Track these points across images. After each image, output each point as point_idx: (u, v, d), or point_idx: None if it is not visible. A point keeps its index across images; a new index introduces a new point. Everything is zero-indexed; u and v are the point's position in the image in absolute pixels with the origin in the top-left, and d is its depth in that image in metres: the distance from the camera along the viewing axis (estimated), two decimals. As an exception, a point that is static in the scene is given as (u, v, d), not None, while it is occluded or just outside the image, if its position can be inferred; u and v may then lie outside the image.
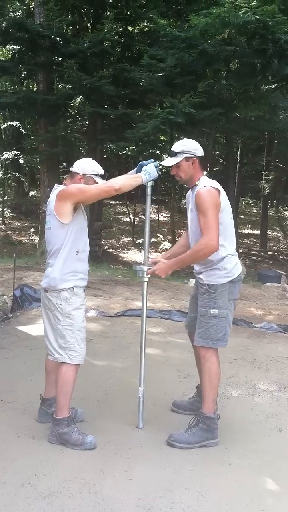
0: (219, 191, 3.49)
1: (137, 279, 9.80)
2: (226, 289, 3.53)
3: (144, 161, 3.62)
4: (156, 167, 3.57)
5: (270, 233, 22.17)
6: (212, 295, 3.52)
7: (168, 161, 3.64)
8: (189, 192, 3.72)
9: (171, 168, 3.68)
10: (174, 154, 3.60)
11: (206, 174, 3.67)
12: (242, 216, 23.97)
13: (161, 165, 4.05)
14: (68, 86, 14.76)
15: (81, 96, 15.25)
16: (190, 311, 3.91)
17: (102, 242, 16.69)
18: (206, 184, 3.50)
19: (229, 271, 3.53)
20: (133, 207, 22.43)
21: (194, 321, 3.73)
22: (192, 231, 3.62)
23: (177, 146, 3.62)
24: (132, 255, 17.71)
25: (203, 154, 3.68)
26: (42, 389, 3.75)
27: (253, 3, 10.83)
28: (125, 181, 3.47)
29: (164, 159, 3.73)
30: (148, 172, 3.52)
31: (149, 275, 3.65)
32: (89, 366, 4.71)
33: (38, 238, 15.43)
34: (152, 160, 3.63)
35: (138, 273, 3.69)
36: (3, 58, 17.13)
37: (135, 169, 3.67)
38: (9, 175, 23.72)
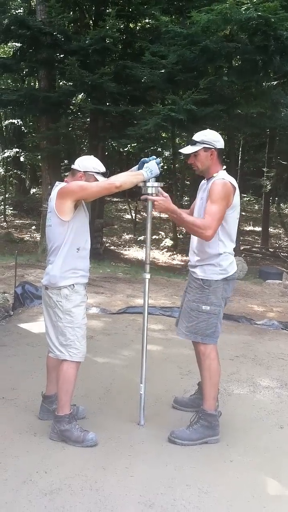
0: (234, 188, 3.49)
1: (139, 277, 9.79)
2: (219, 286, 3.52)
3: (145, 158, 3.61)
4: (158, 164, 3.56)
5: (271, 230, 22.14)
6: (205, 291, 3.52)
7: (187, 149, 3.62)
8: (204, 181, 3.68)
9: (188, 157, 3.66)
10: (194, 143, 3.58)
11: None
12: (243, 213, 23.91)
13: (166, 158, 3.98)
14: (69, 83, 14.72)
15: (82, 93, 15.22)
16: (181, 306, 3.89)
17: (103, 239, 16.69)
18: (225, 177, 3.49)
19: (224, 268, 3.53)
20: (135, 204, 22.41)
21: None
22: None
23: (197, 136, 3.60)
24: (134, 253, 17.71)
25: (223, 147, 3.65)
26: (44, 387, 3.76)
27: (255, 0, 10.80)
28: (126, 178, 3.46)
29: (166, 156, 3.72)
30: (149, 169, 3.51)
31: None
32: (90, 363, 4.71)
33: (40, 236, 15.43)
34: (154, 157, 3.62)
35: (149, 189, 3.53)
36: (5, 56, 17.11)
37: (137, 166, 3.66)
38: (10, 172, 23.70)
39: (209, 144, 3.56)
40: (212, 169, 3.58)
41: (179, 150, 3.83)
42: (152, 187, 3.51)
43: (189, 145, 3.63)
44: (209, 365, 3.56)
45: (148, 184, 3.51)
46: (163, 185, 3.62)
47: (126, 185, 3.44)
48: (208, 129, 3.71)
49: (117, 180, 3.39)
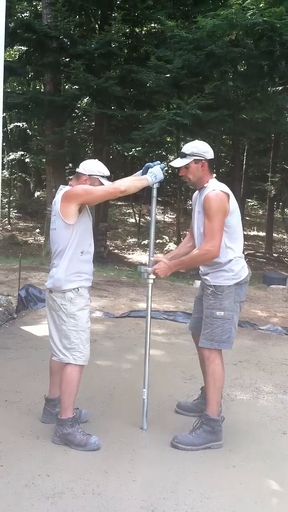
0: (228, 195, 3.49)
1: (142, 281, 9.80)
2: (232, 291, 3.52)
3: (150, 163, 3.62)
4: (162, 169, 3.56)
5: (275, 235, 22.13)
6: (218, 297, 3.51)
7: (177, 162, 3.63)
8: (196, 193, 3.71)
9: (179, 169, 3.67)
10: (184, 155, 3.59)
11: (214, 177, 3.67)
12: (247, 218, 23.93)
13: (169, 166, 4.06)
14: (75, 87, 14.80)
15: (88, 97, 15.29)
16: (194, 312, 3.91)
17: (107, 243, 16.70)
18: (215, 188, 3.48)
19: (236, 273, 3.53)
20: (139, 208, 22.43)
21: (198, 323, 3.73)
22: (200, 234, 3.60)
23: (187, 148, 3.61)
24: (138, 256, 17.71)
25: (213, 157, 3.67)
26: (47, 390, 3.76)
27: (261, 5, 10.82)
28: (131, 183, 3.47)
29: (171, 160, 3.75)
30: (154, 174, 3.52)
31: (154, 277, 3.64)
32: (93, 367, 4.71)
33: (44, 239, 15.46)
34: (159, 162, 3.63)
35: (143, 274, 3.69)
36: (11, 59, 17.16)
37: (141, 170, 3.66)
38: (15, 175, 23.78)
39: (200, 156, 3.57)
40: (203, 180, 3.60)
41: (170, 164, 3.87)
42: (156, 188, 3.59)
43: (179, 158, 3.64)
44: (214, 370, 3.55)
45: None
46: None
47: (131, 190, 3.45)
48: (197, 140, 3.72)
49: (122, 184, 3.40)
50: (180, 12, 14.62)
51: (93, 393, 4.27)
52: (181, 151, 3.64)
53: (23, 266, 8.39)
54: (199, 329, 3.65)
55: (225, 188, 3.52)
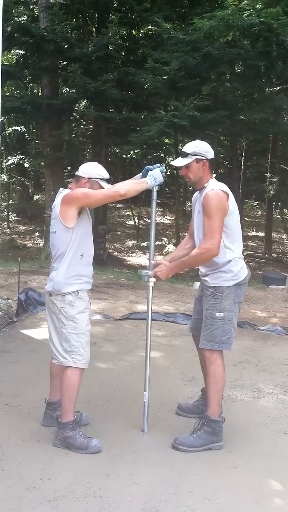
0: (227, 194, 3.50)
1: (142, 283, 9.80)
2: (232, 292, 3.53)
3: (150, 166, 3.62)
4: (162, 171, 3.57)
5: (274, 235, 22.12)
6: (218, 298, 3.52)
7: (178, 162, 3.64)
8: (196, 193, 3.72)
9: (180, 169, 3.68)
10: (185, 155, 3.60)
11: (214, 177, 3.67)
12: (246, 219, 23.94)
13: (169, 166, 4.06)
14: (72, 90, 14.78)
15: (85, 100, 15.28)
16: (194, 313, 3.91)
17: (106, 245, 16.70)
18: (215, 187, 3.50)
19: (235, 274, 3.53)
20: (138, 210, 22.43)
21: (197, 324, 3.73)
22: (199, 235, 3.61)
23: (188, 147, 3.62)
24: (137, 259, 17.70)
25: (213, 157, 3.68)
26: (47, 393, 3.76)
27: (257, 6, 10.84)
28: (131, 187, 3.48)
29: (169, 162, 3.76)
30: (153, 177, 3.52)
31: (154, 280, 3.65)
32: (93, 370, 4.71)
33: (43, 242, 15.44)
34: (158, 165, 3.63)
35: (143, 277, 3.69)
36: (8, 63, 17.15)
37: (141, 173, 3.67)
38: (14, 179, 23.76)
39: (201, 155, 3.58)
40: (204, 180, 3.61)
41: (171, 163, 3.88)
42: (156, 191, 3.57)
43: (180, 157, 3.65)
44: (215, 371, 3.55)
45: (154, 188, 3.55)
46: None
47: (131, 193, 3.46)
48: (197, 140, 3.73)
49: (121, 188, 3.41)
50: (176, 14, 14.65)
51: (93, 396, 4.27)
52: (183, 150, 3.64)
53: (23, 270, 8.39)
54: (199, 330, 3.66)
55: (224, 187, 3.53)
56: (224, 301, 3.51)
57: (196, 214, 3.67)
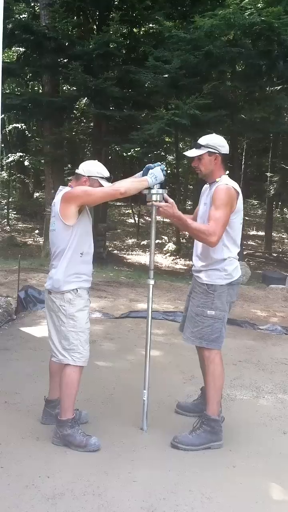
0: (238, 193, 3.49)
1: (142, 281, 9.79)
2: (224, 291, 3.52)
3: (150, 164, 3.60)
4: (163, 170, 3.55)
5: (274, 234, 22.15)
6: (210, 296, 3.51)
7: (192, 152, 3.63)
8: (206, 186, 3.70)
9: (192, 160, 3.66)
10: (199, 146, 3.58)
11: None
12: (246, 218, 23.91)
13: (170, 163, 4.02)
14: (73, 88, 14.80)
15: (86, 98, 15.29)
16: (185, 310, 3.87)
17: (106, 243, 16.71)
18: (228, 183, 3.49)
19: (229, 273, 3.53)
20: (138, 208, 22.43)
21: None
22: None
23: (203, 139, 3.61)
24: (137, 257, 17.71)
25: (228, 153, 3.66)
26: (46, 391, 3.75)
27: (259, 5, 10.84)
28: (131, 185, 3.47)
29: (170, 160, 3.74)
30: (154, 175, 3.51)
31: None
32: (93, 368, 4.70)
33: (43, 240, 15.45)
34: (159, 163, 3.62)
35: (152, 196, 3.53)
36: (9, 60, 17.16)
37: (141, 172, 3.66)
38: (14, 176, 23.77)
39: (214, 149, 3.57)
40: (215, 173, 3.59)
41: (184, 153, 3.83)
42: (157, 194, 3.51)
43: (194, 148, 3.63)
44: (214, 370, 3.55)
45: (153, 191, 3.51)
46: (168, 191, 3.62)
47: (131, 192, 3.45)
48: (214, 134, 3.72)
49: (122, 186, 3.40)
50: (178, 12, 14.63)
51: (92, 394, 4.27)
52: (197, 141, 3.62)
53: (22, 267, 8.38)
54: None
55: (236, 186, 3.53)
56: (216, 300, 3.50)
57: (203, 205, 3.66)
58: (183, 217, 3.47)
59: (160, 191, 3.52)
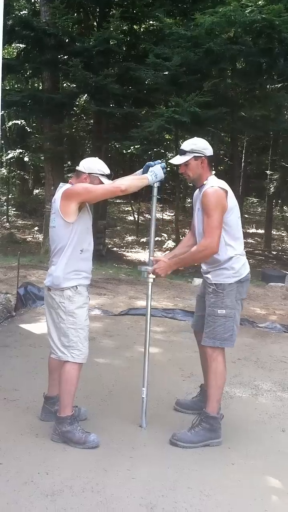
0: (226, 191, 3.49)
1: (141, 279, 9.79)
2: (233, 289, 3.53)
3: (151, 162, 3.61)
4: (163, 168, 3.56)
5: (274, 232, 22.13)
6: (219, 295, 3.51)
7: (177, 159, 3.64)
8: (197, 191, 3.71)
9: (179, 166, 3.67)
10: (183, 152, 3.59)
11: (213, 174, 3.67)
12: (246, 216, 23.93)
13: (169, 163, 4.05)
14: (73, 84, 14.76)
15: (86, 95, 15.27)
16: (196, 310, 3.91)
17: (106, 240, 16.70)
18: (213, 184, 3.49)
19: (237, 271, 3.53)
20: (138, 206, 22.42)
21: (200, 321, 3.73)
22: (199, 232, 3.61)
23: (186, 145, 3.61)
24: (136, 254, 17.70)
25: (212, 154, 3.67)
26: (46, 388, 3.75)
27: (259, 2, 10.81)
28: (131, 182, 3.48)
29: (170, 158, 3.75)
30: (154, 173, 3.51)
31: (154, 276, 3.64)
32: (92, 365, 4.71)
33: (42, 237, 15.44)
34: (159, 161, 3.62)
35: (143, 274, 3.69)
36: (9, 57, 17.11)
37: (142, 169, 3.66)
38: (13, 173, 23.74)
39: (199, 153, 3.58)
40: (203, 177, 3.61)
41: (169, 161, 3.87)
42: (156, 187, 3.57)
43: (179, 155, 3.64)
44: (216, 368, 3.55)
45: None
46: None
47: (131, 189, 3.45)
48: (196, 138, 3.73)
49: (122, 183, 3.40)
50: (178, 9, 14.59)
51: (92, 391, 4.27)
52: (181, 148, 3.64)
53: (22, 264, 8.38)
54: (201, 327, 3.66)
55: (223, 184, 3.52)
56: (226, 298, 3.51)
57: (197, 211, 3.66)
58: (178, 261, 3.64)
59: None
